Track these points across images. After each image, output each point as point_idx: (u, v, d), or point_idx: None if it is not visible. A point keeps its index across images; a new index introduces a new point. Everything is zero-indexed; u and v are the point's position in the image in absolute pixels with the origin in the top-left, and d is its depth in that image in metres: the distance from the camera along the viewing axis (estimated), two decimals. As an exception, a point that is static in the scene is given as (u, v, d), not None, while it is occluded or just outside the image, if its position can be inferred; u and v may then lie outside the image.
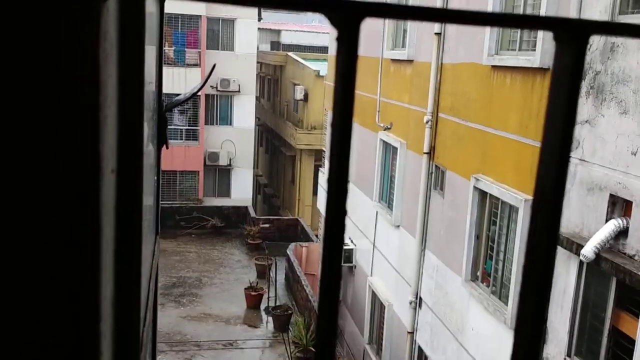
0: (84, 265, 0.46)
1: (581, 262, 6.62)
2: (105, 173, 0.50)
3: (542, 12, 7.53)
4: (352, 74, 0.39)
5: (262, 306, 18.31)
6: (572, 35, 0.41)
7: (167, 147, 1.92)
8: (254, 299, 18.28)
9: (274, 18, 45.33)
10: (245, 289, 18.49)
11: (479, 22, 0.39)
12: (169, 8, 25.35)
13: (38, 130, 0.43)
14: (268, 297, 18.13)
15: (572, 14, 6.94)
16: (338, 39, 0.39)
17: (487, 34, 8.78)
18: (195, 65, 26.14)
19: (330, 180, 0.39)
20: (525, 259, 0.45)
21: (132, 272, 0.70)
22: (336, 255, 0.40)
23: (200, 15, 25.87)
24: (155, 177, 1.88)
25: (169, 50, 25.92)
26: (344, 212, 0.42)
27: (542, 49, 7.49)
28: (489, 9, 8.75)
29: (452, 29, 10.15)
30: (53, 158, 0.43)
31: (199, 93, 25.92)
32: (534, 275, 0.45)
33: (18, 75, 0.42)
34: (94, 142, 0.44)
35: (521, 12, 8.27)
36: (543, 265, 0.44)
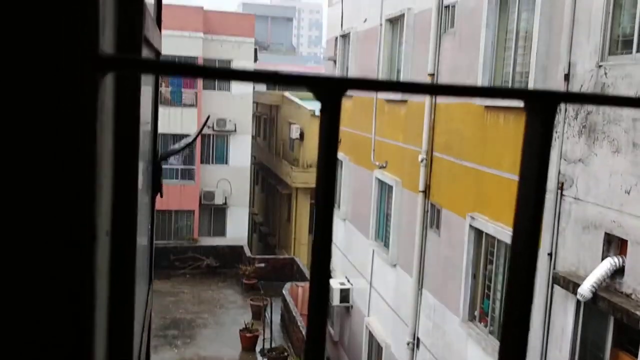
0: (75, 326, 0.47)
1: (578, 302, 6.58)
2: (100, 237, 0.51)
3: (533, 55, 7.67)
4: (334, 141, 0.42)
5: (258, 348, 18.04)
6: (542, 105, 0.43)
7: (161, 196, 1.93)
8: (249, 341, 18.02)
9: (270, 59, 45.97)
10: (240, 330, 18.25)
11: (453, 93, 0.42)
12: (166, 49, 25.71)
13: (35, 199, 0.44)
14: (263, 339, 17.88)
15: (563, 55, 7.08)
16: (321, 110, 0.41)
17: (480, 74, 8.93)
18: (192, 105, 26.38)
19: (314, 249, 0.40)
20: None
21: (125, 337, 0.70)
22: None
23: (197, 57, 26.21)
24: (149, 226, 1.89)
25: (165, 91, 26.19)
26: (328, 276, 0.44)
27: (534, 88, 7.61)
28: (480, 64, 8.91)
29: (445, 70, 10.32)
30: (50, 226, 0.45)
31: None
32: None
33: (17, 142, 0.43)
34: (90, 210, 0.45)
35: (511, 59, 8.43)
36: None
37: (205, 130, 26.74)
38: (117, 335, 0.67)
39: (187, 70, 0.38)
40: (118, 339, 0.68)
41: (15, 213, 0.45)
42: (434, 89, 0.42)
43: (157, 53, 1.60)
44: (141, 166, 1.26)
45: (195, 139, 3.33)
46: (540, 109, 0.43)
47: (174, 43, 24.98)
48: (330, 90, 0.39)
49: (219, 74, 0.38)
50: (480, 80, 8.94)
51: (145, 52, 1.06)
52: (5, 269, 0.46)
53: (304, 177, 26.14)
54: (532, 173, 0.45)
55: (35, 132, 0.45)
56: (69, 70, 0.44)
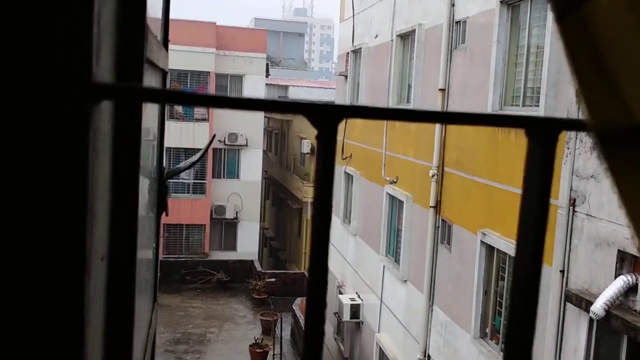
0: (67, 352, 0.47)
1: (591, 319, 6.50)
2: (95, 262, 0.51)
3: (545, 71, 7.66)
4: (330, 167, 0.41)
5: (268, 363, 17.94)
6: (543, 132, 0.42)
7: (166, 215, 1.93)
8: (259, 356, 17.93)
9: (282, 74, 46.23)
10: (250, 345, 18.17)
11: (453, 121, 0.41)
12: (178, 64, 25.82)
13: (25, 227, 0.44)
14: (274, 355, 17.78)
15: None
16: (317, 137, 0.41)
17: (491, 88, 8.92)
18: (204, 120, 26.53)
19: (309, 286, 0.40)
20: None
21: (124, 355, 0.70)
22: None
23: (209, 72, 26.41)
24: (154, 244, 1.89)
25: (178, 106, 26.36)
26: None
27: (545, 104, 7.59)
28: (491, 79, 8.91)
29: (456, 85, 10.32)
30: (39, 253, 0.45)
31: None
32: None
33: (5, 170, 0.43)
34: (80, 235, 0.45)
35: (523, 74, 8.42)
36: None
37: (217, 145, 26.88)
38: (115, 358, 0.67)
39: (179, 98, 0.38)
40: None
41: (5, 241, 0.45)
42: (432, 117, 0.42)
43: (164, 73, 1.61)
44: (146, 184, 1.26)
45: (200, 158, 3.36)
46: (542, 136, 0.42)
47: (186, 58, 25.20)
48: (326, 118, 0.39)
49: (213, 101, 0.38)
50: (491, 95, 8.93)
51: (149, 74, 1.07)
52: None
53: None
54: (533, 200, 0.45)
55: (24, 160, 0.45)
56: (61, 99, 0.44)
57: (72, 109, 0.44)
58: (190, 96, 0.38)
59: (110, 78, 0.66)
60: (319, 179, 0.41)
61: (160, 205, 1.76)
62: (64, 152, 0.45)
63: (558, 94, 7.43)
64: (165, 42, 1.98)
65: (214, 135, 4.19)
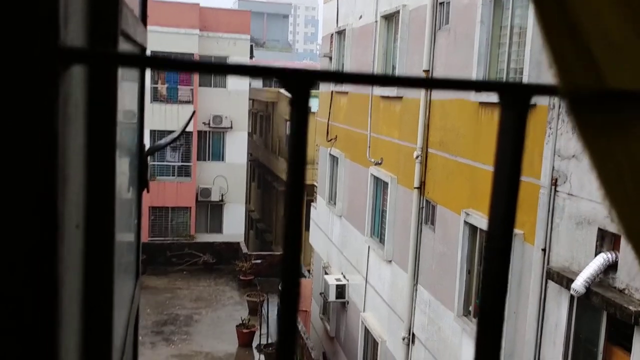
0: (38, 321, 0.48)
1: (572, 297, 6.62)
2: (68, 229, 0.52)
3: (527, 51, 7.69)
4: (303, 131, 0.43)
5: (254, 344, 18.07)
6: (516, 98, 0.44)
7: (147, 191, 1.94)
8: (245, 337, 18.05)
9: (266, 56, 45.90)
10: (237, 326, 18.27)
11: (426, 86, 0.43)
12: (161, 46, 25.50)
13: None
14: (260, 334, 17.91)
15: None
16: (291, 102, 0.42)
17: (475, 69, 8.94)
18: (188, 102, 26.34)
19: (285, 238, 0.42)
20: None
21: (103, 328, 0.71)
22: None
23: (193, 54, 26.17)
24: (136, 221, 1.89)
25: (161, 88, 26.13)
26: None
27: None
28: (474, 60, 8.93)
29: (440, 66, 10.33)
30: (7, 218, 0.46)
31: (191, 130, 26.04)
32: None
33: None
34: (52, 200, 0.46)
35: (506, 55, 8.45)
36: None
37: (201, 127, 26.73)
38: (94, 329, 0.68)
39: (153, 62, 0.39)
40: (95, 333, 0.68)
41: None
42: (406, 82, 0.43)
43: (142, 49, 1.61)
44: (125, 160, 1.27)
45: (181, 134, 3.35)
46: (514, 102, 0.44)
47: (169, 40, 24.93)
48: (299, 83, 0.40)
49: (189, 66, 0.39)
50: (474, 75, 8.96)
51: (126, 47, 1.07)
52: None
53: (300, 174, 26.12)
54: (505, 167, 0.46)
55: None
56: (28, 62, 0.45)
57: (38, 72, 0.45)
58: (165, 61, 0.39)
59: (82, 45, 0.66)
60: (293, 142, 0.42)
61: (141, 181, 1.76)
62: (32, 115, 0.46)
63: (540, 74, 7.48)
64: (143, 18, 1.97)
65: (194, 112, 4.19)
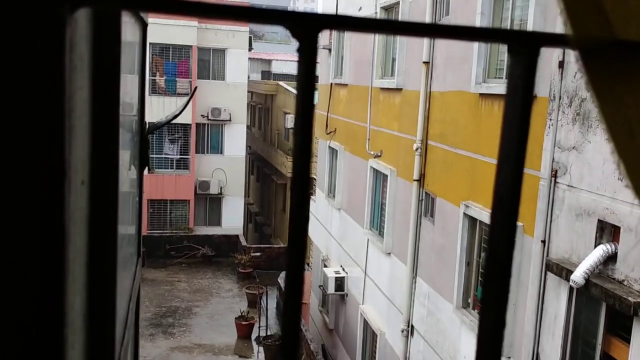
0: (47, 276, 0.46)
1: (571, 288, 6.62)
2: (74, 183, 0.50)
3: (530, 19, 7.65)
4: (311, 81, 0.41)
5: (253, 336, 18.11)
6: (525, 47, 0.42)
7: (149, 170, 1.92)
8: (245, 329, 18.08)
9: (265, 48, 45.80)
10: (236, 318, 18.30)
11: (430, 34, 0.41)
12: (160, 38, 25.46)
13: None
14: (259, 327, 17.94)
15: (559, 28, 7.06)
16: (298, 50, 0.40)
17: (475, 62, 8.91)
18: (186, 94, 26.27)
19: (293, 190, 0.40)
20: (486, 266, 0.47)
21: (107, 283, 0.70)
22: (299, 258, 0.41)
23: (192, 46, 26.10)
24: (138, 199, 1.88)
25: (160, 80, 26.07)
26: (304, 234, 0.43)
27: (528, 77, 7.59)
28: (474, 51, 8.89)
29: (440, 58, 10.30)
30: (15, 165, 0.44)
31: (190, 122, 26.00)
32: (494, 279, 0.46)
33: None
34: (59, 150, 0.45)
35: (505, 52, 8.41)
36: (503, 271, 0.45)
37: (200, 120, 26.68)
38: (99, 283, 0.67)
39: (158, 4, 0.37)
40: (99, 286, 0.67)
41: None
42: (415, 28, 0.41)
43: (144, 25, 1.58)
44: (127, 137, 1.25)
45: (181, 111, 3.33)
46: (524, 51, 0.42)
47: (168, 32, 24.85)
48: (307, 28, 0.38)
49: (194, 8, 0.37)
50: (474, 68, 8.93)
51: (129, 21, 1.05)
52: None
53: (299, 167, 26.11)
54: (515, 121, 0.45)
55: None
56: (34, 4, 0.43)
57: (45, 15, 0.43)
58: (171, 2, 0.37)
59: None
60: (300, 90, 0.40)
61: (143, 159, 1.75)
62: (39, 55, 0.44)
63: (540, 66, 7.45)
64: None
65: (195, 88, 4.16)
